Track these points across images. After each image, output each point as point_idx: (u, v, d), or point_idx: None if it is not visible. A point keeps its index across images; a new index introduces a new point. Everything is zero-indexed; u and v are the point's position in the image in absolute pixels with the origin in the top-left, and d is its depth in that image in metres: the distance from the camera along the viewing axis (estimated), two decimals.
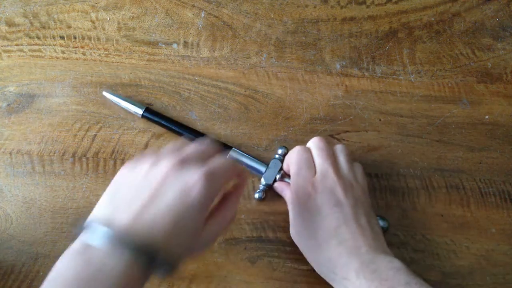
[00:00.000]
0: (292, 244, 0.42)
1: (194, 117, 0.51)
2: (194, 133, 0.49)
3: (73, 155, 0.49)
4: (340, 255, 0.37)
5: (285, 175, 0.46)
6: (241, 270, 0.45)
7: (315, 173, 0.41)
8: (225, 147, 0.48)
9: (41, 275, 0.44)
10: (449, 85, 0.54)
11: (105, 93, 0.51)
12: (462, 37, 0.56)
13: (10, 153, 0.49)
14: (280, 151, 0.47)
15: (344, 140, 0.51)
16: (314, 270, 0.44)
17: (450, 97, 0.53)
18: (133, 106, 0.50)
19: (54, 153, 0.49)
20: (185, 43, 0.55)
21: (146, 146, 0.50)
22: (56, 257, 0.46)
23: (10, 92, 0.52)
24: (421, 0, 0.57)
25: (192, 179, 0.31)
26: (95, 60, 0.54)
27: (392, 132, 0.51)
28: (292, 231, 0.41)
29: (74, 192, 0.47)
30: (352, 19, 0.56)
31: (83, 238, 0.30)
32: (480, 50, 0.55)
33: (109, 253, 0.28)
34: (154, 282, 0.45)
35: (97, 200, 0.46)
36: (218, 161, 0.34)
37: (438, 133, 0.51)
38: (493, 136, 0.51)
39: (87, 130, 0.50)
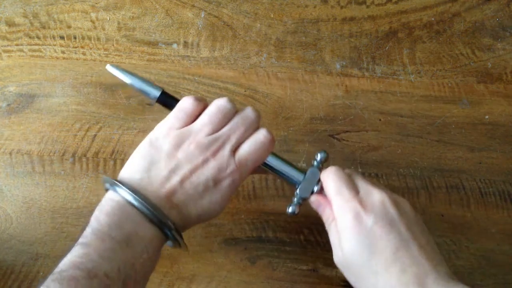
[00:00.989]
0: (292, 244, 0.42)
1: None
2: None
3: (73, 155, 0.49)
4: (405, 285, 0.31)
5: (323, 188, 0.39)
6: (241, 270, 0.45)
7: (358, 192, 0.36)
8: None
9: (41, 275, 0.44)
10: (449, 85, 0.54)
11: (108, 67, 0.40)
12: (462, 37, 0.56)
13: (10, 153, 0.49)
14: (319, 157, 0.40)
15: (344, 140, 0.51)
16: (314, 270, 0.44)
17: (450, 97, 0.53)
18: (148, 87, 0.39)
19: (54, 153, 0.49)
20: (185, 43, 0.55)
21: None
22: (56, 257, 0.46)
23: (10, 92, 0.52)
24: (421, 0, 0.57)
25: (228, 169, 0.35)
26: (95, 60, 0.54)
27: (392, 132, 0.51)
28: (340, 257, 0.35)
29: (74, 192, 0.47)
30: (352, 19, 0.56)
31: (123, 193, 0.33)
32: (480, 50, 0.55)
33: (142, 220, 0.33)
34: (154, 281, 0.45)
35: (97, 200, 0.46)
36: (254, 145, 0.37)
37: (438, 133, 0.51)
38: (493, 136, 0.51)
39: (87, 130, 0.50)
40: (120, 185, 0.33)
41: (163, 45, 0.54)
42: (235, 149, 0.37)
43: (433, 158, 0.50)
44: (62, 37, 0.55)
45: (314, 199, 0.39)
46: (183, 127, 0.37)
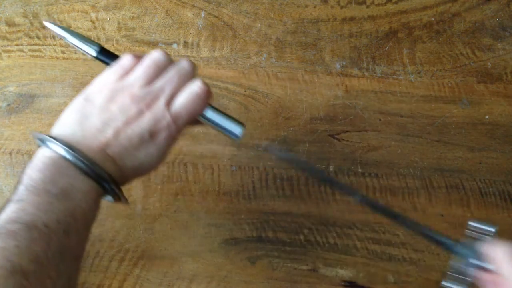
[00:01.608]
0: (292, 244, 0.42)
1: None
2: None
3: None
4: None
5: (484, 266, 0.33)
6: (241, 270, 0.45)
7: None
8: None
9: None
10: (449, 85, 0.54)
11: (46, 23, 0.39)
12: (462, 37, 0.56)
13: (10, 153, 0.49)
14: (481, 228, 0.34)
15: (344, 140, 0.51)
16: (314, 270, 0.44)
17: (450, 97, 0.53)
18: (85, 45, 0.39)
19: None
20: (185, 43, 0.55)
21: None
22: None
23: (10, 92, 0.52)
24: (421, 0, 0.57)
25: (163, 121, 0.35)
26: (95, 60, 0.54)
27: (392, 132, 0.51)
28: None
29: None
30: (352, 19, 0.56)
31: (55, 148, 0.32)
32: (480, 50, 0.55)
33: (77, 173, 0.32)
34: (154, 281, 0.45)
35: None
36: (188, 97, 0.36)
37: (438, 133, 0.51)
38: (493, 136, 0.51)
39: None
40: (53, 139, 0.32)
41: (163, 45, 0.54)
42: (169, 101, 0.36)
43: (433, 158, 0.50)
44: None
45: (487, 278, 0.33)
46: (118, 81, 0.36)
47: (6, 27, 0.55)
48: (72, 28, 0.41)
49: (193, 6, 0.56)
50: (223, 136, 0.50)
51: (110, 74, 0.37)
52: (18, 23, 0.55)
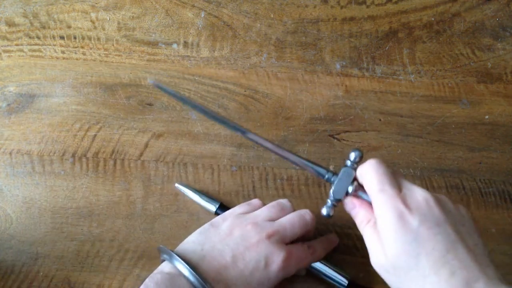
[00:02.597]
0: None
1: (194, 117, 0.51)
2: None
3: (73, 155, 0.49)
4: None
5: (359, 189, 0.37)
6: None
7: (401, 190, 0.34)
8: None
9: (41, 275, 0.44)
10: (449, 85, 0.54)
11: (177, 185, 0.48)
12: (462, 37, 0.56)
13: (10, 153, 0.49)
14: (352, 156, 0.37)
15: (344, 140, 0.51)
16: (312, 275, 0.44)
17: (450, 97, 0.53)
18: (206, 202, 0.46)
19: (54, 153, 0.49)
20: (185, 43, 0.55)
21: (146, 146, 0.50)
22: (56, 257, 0.46)
23: (10, 92, 0.52)
24: (421, 0, 0.57)
25: (280, 254, 0.38)
26: (95, 60, 0.54)
27: (392, 132, 0.51)
28: (381, 260, 0.33)
29: (74, 192, 0.47)
30: (352, 19, 0.56)
31: (176, 264, 0.36)
32: (480, 50, 0.55)
33: None
34: None
35: (97, 200, 0.46)
36: (303, 253, 0.40)
37: (438, 133, 0.51)
38: (493, 136, 0.51)
39: (87, 130, 0.50)
40: (179, 259, 0.36)
41: (163, 45, 0.54)
42: (287, 240, 0.39)
43: (433, 158, 0.50)
44: (62, 37, 0.55)
45: (348, 201, 0.37)
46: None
47: (6, 27, 0.55)
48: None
49: (193, 6, 0.56)
50: (223, 136, 0.50)
51: (237, 208, 0.42)
52: (18, 23, 0.55)
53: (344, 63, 0.54)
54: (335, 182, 0.37)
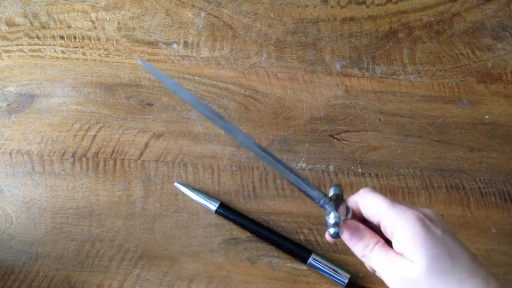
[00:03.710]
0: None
1: (194, 117, 0.51)
2: (269, 233, 0.46)
3: (73, 155, 0.49)
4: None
5: (354, 216, 0.35)
6: (241, 270, 0.45)
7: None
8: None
9: (41, 275, 0.44)
10: (449, 85, 0.54)
11: (176, 184, 0.48)
12: (462, 37, 0.56)
13: (10, 153, 0.49)
14: (332, 192, 0.35)
15: (344, 140, 0.51)
16: (314, 270, 0.44)
17: (450, 97, 0.53)
18: (206, 201, 0.47)
19: (54, 153, 0.49)
20: (185, 43, 0.55)
21: (146, 146, 0.50)
22: (56, 257, 0.46)
23: (10, 92, 0.52)
24: (421, 0, 0.57)
25: None
26: (95, 60, 0.54)
27: (392, 132, 0.51)
28: (412, 274, 0.30)
29: (74, 192, 0.47)
30: (352, 19, 0.56)
31: None
32: (480, 50, 0.55)
33: None
34: (154, 281, 0.45)
35: (97, 200, 0.46)
36: None
37: (438, 133, 0.51)
38: (493, 136, 0.51)
39: (87, 130, 0.50)
40: None
41: (163, 45, 0.54)
42: None
43: (433, 158, 0.50)
44: (62, 37, 0.55)
45: (350, 223, 0.34)
46: None
47: (6, 27, 0.55)
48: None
49: (193, 6, 0.56)
50: (223, 136, 0.50)
51: None
52: (18, 23, 0.55)
53: (344, 63, 0.54)
54: (332, 207, 0.34)
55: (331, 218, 0.33)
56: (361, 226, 0.34)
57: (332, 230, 0.32)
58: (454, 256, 0.30)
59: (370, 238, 0.33)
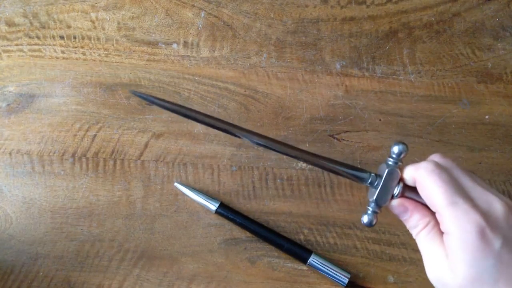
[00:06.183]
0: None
1: None
2: (268, 232, 0.46)
3: (73, 155, 0.49)
4: None
5: (406, 189, 0.32)
6: (241, 270, 0.45)
7: (472, 198, 0.29)
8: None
9: (41, 275, 0.44)
10: (449, 85, 0.54)
11: (176, 184, 0.48)
12: (462, 37, 0.56)
13: (10, 153, 0.49)
14: (396, 150, 0.32)
15: (344, 140, 0.51)
16: (314, 270, 0.44)
17: (450, 97, 0.53)
18: (206, 201, 0.47)
19: (54, 153, 0.49)
20: (185, 43, 0.55)
21: (146, 146, 0.50)
22: (56, 257, 0.46)
23: (10, 92, 0.52)
24: (421, 0, 0.57)
25: None
26: (95, 60, 0.54)
27: (392, 132, 0.51)
28: (446, 279, 0.29)
29: (74, 192, 0.47)
30: (352, 19, 0.56)
31: None
32: (480, 50, 0.55)
33: None
34: (154, 281, 0.45)
35: (97, 200, 0.46)
36: None
37: (438, 133, 0.51)
38: (493, 136, 0.51)
39: (87, 130, 0.50)
40: None
41: (163, 45, 0.54)
42: None
43: None
44: (62, 37, 0.54)
45: (397, 205, 0.32)
46: None
47: (6, 27, 0.55)
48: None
49: (193, 6, 0.56)
50: (223, 136, 0.50)
51: None
52: (18, 23, 0.55)
53: (344, 63, 0.54)
54: (380, 186, 0.31)
55: (370, 205, 0.32)
56: (411, 205, 0.31)
57: (365, 219, 0.31)
58: (500, 277, 0.27)
59: (419, 219, 0.31)
